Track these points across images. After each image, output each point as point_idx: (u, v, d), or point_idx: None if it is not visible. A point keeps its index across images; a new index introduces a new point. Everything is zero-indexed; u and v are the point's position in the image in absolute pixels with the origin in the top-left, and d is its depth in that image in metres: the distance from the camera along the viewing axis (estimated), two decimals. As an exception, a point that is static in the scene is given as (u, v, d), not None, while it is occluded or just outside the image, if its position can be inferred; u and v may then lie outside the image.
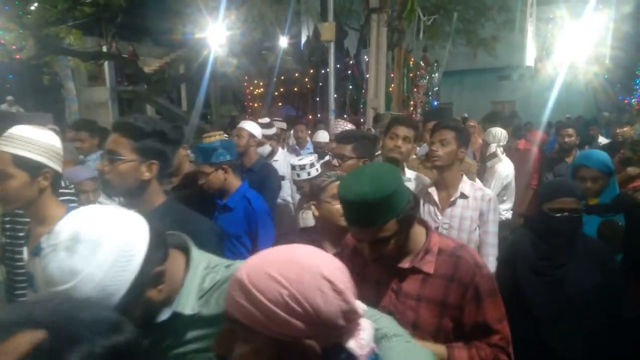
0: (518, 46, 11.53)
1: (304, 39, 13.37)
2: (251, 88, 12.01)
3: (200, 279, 1.07)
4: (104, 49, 14.19)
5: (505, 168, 3.94)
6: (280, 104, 11.05)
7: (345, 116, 9.53)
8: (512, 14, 11.85)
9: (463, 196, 2.45)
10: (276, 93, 11.43)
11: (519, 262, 2.09)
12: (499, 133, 4.12)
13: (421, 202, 2.53)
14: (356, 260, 1.52)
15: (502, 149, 4.07)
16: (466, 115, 10.58)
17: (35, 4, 9.34)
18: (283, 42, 11.90)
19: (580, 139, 4.77)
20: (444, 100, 15.13)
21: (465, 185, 2.47)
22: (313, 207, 1.96)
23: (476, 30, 13.39)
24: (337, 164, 2.49)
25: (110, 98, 16.91)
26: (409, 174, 2.82)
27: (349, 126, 3.48)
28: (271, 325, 0.76)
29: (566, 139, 4.45)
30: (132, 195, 1.58)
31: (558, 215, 1.95)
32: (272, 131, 4.20)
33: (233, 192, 2.54)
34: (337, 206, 1.78)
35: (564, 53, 11.24)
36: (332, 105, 7.55)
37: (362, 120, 7.78)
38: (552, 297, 1.99)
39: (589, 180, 2.53)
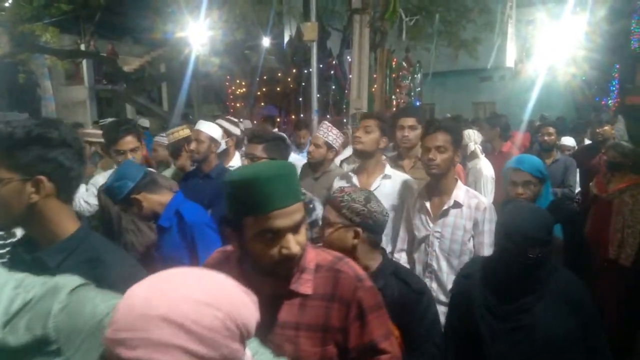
0: (499, 48, 11.67)
1: (286, 39, 13.31)
2: (233, 88, 11.89)
3: (8, 302, 0.86)
4: (82, 47, 13.90)
5: (488, 167, 3.92)
6: (262, 104, 10.96)
7: (328, 116, 9.51)
8: (492, 16, 11.99)
9: (457, 204, 2.30)
10: (259, 93, 11.34)
11: (476, 298, 1.75)
12: (472, 133, 4.11)
13: (413, 208, 2.47)
14: None
15: (480, 147, 4.08)
16: (449, 115, 10.67)
17: (10, 0, 9.08)
18: (265, 42, 11.81)
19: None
20: (427, 101, 15.24)
21: (460, 192, 2.33)
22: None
23: (457, 32, 13.51)
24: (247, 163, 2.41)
25: (88, 97, 16.60)
26: (390, 172, 2.71)
27: (334, 131, 3.38)
28: (212, 354, 0.68)
29: (546, 138, 4.40)
30: (25, 226, 1.23)
31: (520, 259, 1.61)
32: (234, 130, 3.91)
33: (164, 210, 2.22)
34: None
35: (544, 55, 11.42)
36: (315, 105, 7.53)
37: (345, 120, 7.76)
38: (516, 347, 1.66)
39: (520, 185, 2.35)
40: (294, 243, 1.14)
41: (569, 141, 5.49)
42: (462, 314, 1.80)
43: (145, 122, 7.35)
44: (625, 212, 3.29)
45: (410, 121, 3.06)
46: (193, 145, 3.14)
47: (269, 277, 1.20)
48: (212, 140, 3.19)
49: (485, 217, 2.28)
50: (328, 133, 3.28)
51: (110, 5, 12.22)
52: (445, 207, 2.31)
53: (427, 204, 2.36)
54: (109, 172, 3.16)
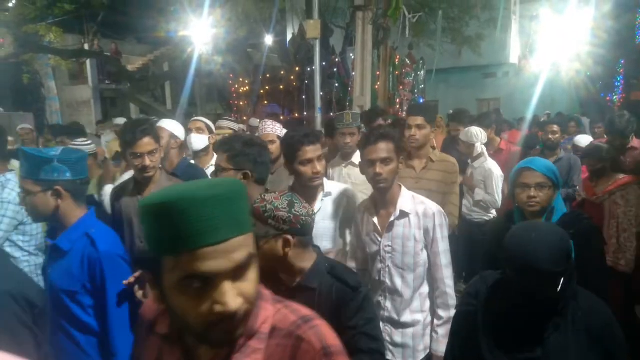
0: (502, 44, 11.64)
1: (289, 36, 13.30)
2: (236, 86, 11.89)
3: None
4: (86, 46, 13.96)
5: (496, 166, 3.85)
6: (265, 102, 10.97)
7: (331, 114, 9.50)
8: (496, 12, 11.94)
9: (403, 214, 2.12)
10: (262, 91, 11.34)
11: (480, 324, 1.52)
12: (479, 132, 3.97)
13: (361, 223, 2.28)
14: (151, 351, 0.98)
15: (484, 147, 3.99)
16: (451, 112, 10.63)
17: (14, 1, 9.13)
18: (268, 40, 11.82)
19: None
20: (430, 97, 15.20)
21: (405, 200, 2.14)
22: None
23: (461, 28, 13.46)
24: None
25: (92, 97, 16.65)
26: (329, 186, 2.41)
27: (278, 125, 3.26)
28: None
29: (550, 136, 4.21)
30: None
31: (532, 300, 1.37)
32: (235, 127, 3.78)
33: (69, 227, 1.76)
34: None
35: (548, 51, 11.37)
36: (318, 103, 7.52)
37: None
38: None
39: (533, 187, 2.03)
40: (232, 296, 0.79)
41: (583, 140, 4.92)
42: (465, 340, 1.58)
43: (120, 121, 7.39)
44: (619, 215, 3.17)
45: (418, 120, 2.95)
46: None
47: (203, 343, 0.87)
48: (172, 136, 3.07)
49: (436, 223, 2.09)
50: (274, 128, 3.31)
51: (114, 4, 12.25)
52: (392, 218, 2.12)
53: (374, 218, 2.18)
54: (127, 175, 3.09)
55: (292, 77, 11.01)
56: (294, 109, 10.81)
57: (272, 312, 0.95)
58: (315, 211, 2.18)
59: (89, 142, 3.70)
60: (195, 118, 3.50)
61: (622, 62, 12.26)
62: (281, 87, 11.12)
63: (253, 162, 1.99)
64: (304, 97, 10.42)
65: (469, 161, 4.02)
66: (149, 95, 15.37)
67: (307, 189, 2.25)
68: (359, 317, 1.54)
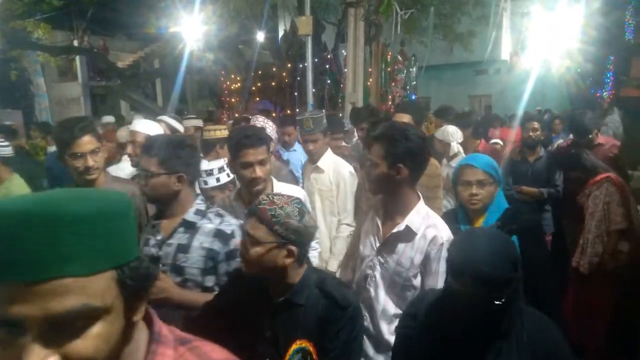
0: (494, 41, 11.66)
1: (281, 33, 13.25)
2: (228, 83, 11.83)
3: None
4: (75, 43, 13.80)
5: None
6: (257, 98, 10.92)
7: (324, 111, 9.49)
8: (487, 9, 11.97)
9: (409, 231, 1.83)
10: (253, 88, 11.29)
11: (416, 349, 1.42)
12: (455, 130, 3.79)
13: (366, 219, 2.07)
14: None
15: (460, 146, 3.81)
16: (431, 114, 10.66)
17: (0, -4, 8.99)
18: (260, 36, 11.76)
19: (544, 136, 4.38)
20: (422, 94, 15.24)
21: (417, 217, 1.85)
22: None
23: (452, 25, 13.49)
24: (142, 182, 1.84)
25: (82, 94, 16.45)
26: (277, 190, 2.20)
27: (270, 123, 3.12)
28: None
29: (531, 133, 3.99)
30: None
31: (473, 309, 1.24)
32: (178, 126, 3.43)
33: None
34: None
35: (539, 47, 11.42)
36: (310, 99, 7.51)
37: (340, 115, 7.74)
38: None
39: (474, 184, 2.00)
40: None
41: None
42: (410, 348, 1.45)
43: (109, 119, 7.26)
44: (586, 217, 3.09)
45: (404, 118, 2.81)
46: (130, 149, 2.84)
47: None
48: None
49: (442, 254, 1.76)
50: (266, 126, 3.19)
51: (103, 0, 12.12)
52: (395, 230, 1.85)
53: (379, 221, 1.94)
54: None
55: (284, 74, 10.97)
56: (286, 105, 10.78)
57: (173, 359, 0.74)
58: None
59: (5, 143, 3.25)
60: (159, 117, 3.31)
61: (612, 59, 12.37)
62: (273, 83, 11.09)
63: (186, 165, 1.83)
64: (296, 93, 10.39)
65: (445, 161, 3.82)
66: (139, 92, 15.21)
67: (248, 194, 2.11)
68: (339, 339, 1.44)
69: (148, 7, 11.15)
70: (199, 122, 4.65)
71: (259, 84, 11.26)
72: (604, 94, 12.39)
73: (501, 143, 4.91)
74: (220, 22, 10.84)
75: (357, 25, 7.47)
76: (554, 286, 1.87)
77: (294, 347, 1.42)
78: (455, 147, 3.74)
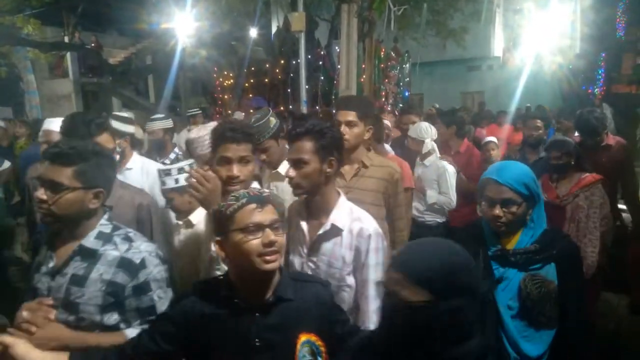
0: (486, 37, 11.72)
1: (274, 29, 13.19)
2: (221, 79, 11.77)
3: None
4: (66, 39, 13.67)
5: (448, 164, 3.56)
6: (250, 95, 10.87)
7: (317, 107, 9.47)
8: (480, 5, 12.00)
9: (335, 229, 1.79)
10: (246, 84, 11.24)
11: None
12: (429, 127, 3.64)
13: (290, 224, 1.98)
14: None
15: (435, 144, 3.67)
16: (437, 105, 10.71)
17: (-11, -8, 8.88)
18: (253, 33, 11.70)
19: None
20: (415, 91, 15.26)
21: (341, 213, 1.81)
22: (216, 245, 1.38)
23: (445, 21, 13.50)
24: (44, 197, 1.49)
25: (74, 91, 16.32)
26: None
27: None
28: None
29: (533, 132, 3.79)
30: None
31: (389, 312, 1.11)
32: (127, 129, 3.13)
33: None
34: (255, 241, 1.29)
35: (531, 44, 11.48)
36: (303, 96, 7.50)
37: (334, 111, 7.75)
38: None
39: (498, 204, 1.65)
40: None
41: None
42: None
43: (125, 115, 7.11)
44: (580, 219, 2.92)
45: (349, 115, 2.41)
46: (44, 149, 2.56)
47: None
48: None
49: (370, 246, 1.75)
50: None
51: (94, -4, 12.02)
52: (321, 230, 1.80)
53: (304, 225, 1.86)
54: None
55: (277, 70, 10.92)
56: (280, 102, 10.75)
57: None
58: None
59: None
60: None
61: (603, 55, 12.45)
62: (266, 80, 11.03)
63: (105, 178, 1.57)
64: (289, 90, 10.36)
65: (418, 159, 3.65)
66: (131, 89, 15.13)
67: (225, 194, 1.83)
68: (344, 313, 1.46)
69: (139, 2, 11.07)
70: (167, 123, 4.13)
71: (252, 81, 11.20)
72: (596, 90, 12.47)
73: (495, 140, 4.78)
74: (213, 18, 10.78)
75: (351, 22, 7.45)
76: (586, 316, 1.70)
77: (301, 340, 1.34)
78: (429, 144, 3.57)
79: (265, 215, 1.32)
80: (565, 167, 3.02)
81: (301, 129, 1.80)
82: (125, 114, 3.17)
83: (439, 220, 3.63)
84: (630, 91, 11.73)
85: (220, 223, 1.35)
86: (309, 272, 1.84)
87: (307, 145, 1.76)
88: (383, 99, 9.67)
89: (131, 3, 11.61)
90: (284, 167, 2.53)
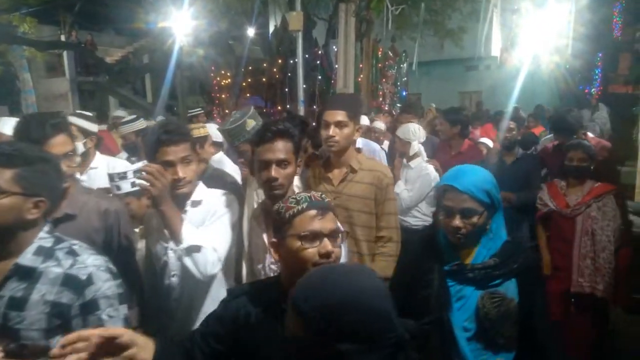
0: (484, 37, 11.73)
1: (271, 28, 13.17)
2: (218, 79, 11.76)
3: None
4: (62, 38, 13.62)
5: (433, 169, 3.46)
6: (248, 94, 10.88)
7: (314, 107, 9.47)
8: (477, 5, 12.01)
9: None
10: (244, 84, 11.23)
11: None
12: (417, 129, 3.57)
13: (250, 231, 1.95)
14: None
15: (422, 147, 3.58)
16: (434, 105, 10.71)
17: (-15, -10, 8.83)
18: (250, 32, 11.69)
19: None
20: (413, 90, 15.28)
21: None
22: (271, 247, 1.34)
23: (443, 21, 13.52)
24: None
25: (70, 89, 16.27)
26: (201, 194, 1.95)
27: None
28: None
29: (506, 134, 3.72)
30: None
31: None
32: (92, 127, 2.98)
33: None
34: (312, 250, 1.22)
35: (528, 44, 11.50)
36: (301, 96, 7.48)
37: (315, 109, 7.75)
38: None
39: (458, 214, 1.48)
40: None
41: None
42: None
43: (120, 113, 6.98)
44: (595, 231, 2.73)
45: (338, 115, 2.25)
46: None
47: None
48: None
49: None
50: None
51: (90, -6, 11.97)
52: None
53: (264, 234, 1.84)
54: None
55: (275, 70, 10.92)
56: (277, 101, 10.74)
57: None
58: None
59: None
60: (68, 118, 2.88)
61: (600, 55, 12.48)
62: (264, 79, 11.04)
63: (50, 187, 1.39)
64: (286, 89, 10.35)
65: (404, 161, 3.57)
66: (128, 87, 15.09)
67: (173, 197, 1.79)
68: None
69: (136, 1, 11.04)
70: (140, 125, 4.00)
71: (249, 80, 11.21)
72: (592, 90, 12.51)
73: (487, 142, 4.66)
74: (211, 17, 10.76)
75: (348, 21, 7.45)
76: (554, 330, 1.55)
77: None
78: (416, 146, 3.48)
79: (325, 223, 1.25)
80: (586, 172, 2.84)
81: (281, 127, 1.73)
82: (89, 113, 3.04)
83: (426, 223, 3.48)
84: (626, 91, 11.76)
85: (277, 225, 1.30)
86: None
87: (288, 145, 1.73)
88: (380, 99, 9.67)
89: (128, 2, 11.58)
90: None
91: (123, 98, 12.92)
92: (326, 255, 1.22)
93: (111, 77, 12.41)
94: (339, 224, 1.32)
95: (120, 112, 6.81)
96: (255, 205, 2.30)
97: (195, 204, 1.90)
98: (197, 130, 2.95)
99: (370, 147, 3.47)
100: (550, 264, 2.95)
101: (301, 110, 7.35)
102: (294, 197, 1.30)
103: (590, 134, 3.90)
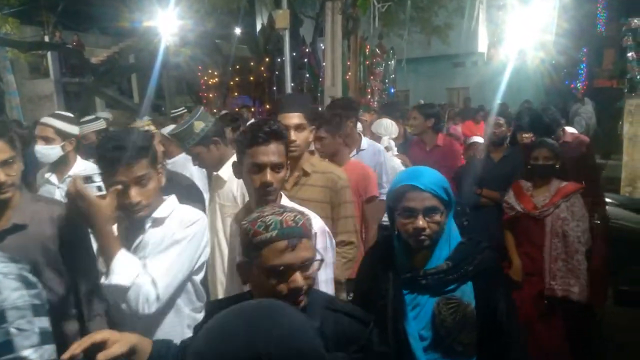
0: (470, 33, 11.80)
1: (258, 27, 13.12)
2: (206, 78, 11.68)
3: None
4: (46, 38, 13.42)
5: (397, 162, 3.47)
6: (236, 94, 10.82)
7: (202, 108, 9.44)
8: (463, 1, 12.07)
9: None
10: (232, 83, 11.17)
11: None
12: (390, 124, 3.58)
13: (235, 236, 1.78)
14: None
15: (393, 141, 3.55)
16: (422, 102, 10.75)
17: (-36, -10, 8.67)
18: (237, 31, 11.63)
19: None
20: (401, 87, 15.31)
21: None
22: (238, 270, 1.23)
23: (429, 17, 13.56)
24: None
25: (55, 91, 16.06)
26: (163, 211, 1.71)
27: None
28: None
29: (494, 130, 3.58)
30: None
31: None
32: (71, 129, 2.76)
33: None
34: (281, 285, 1.13)
35: (514, 39, 11.59)
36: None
37: (320, 109, 7.73)
38: None
39: (421, 213, 1.41)
40: None
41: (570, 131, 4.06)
42: None
43: (105, 115, 6.85)
44: (566, 232, 2.64)
45: (294, 118, 2.16)
46: None
47: None
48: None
49: (318, 246, 1.60)
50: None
51: (74, -7, 11.82)
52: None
53: None
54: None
55: (262, 68, 10.88)
56: (265, 100, 10.70)
57: None
58: (135, 245, 1.65)
59: None
60: (42, 121, 2.67)
61: (585, 50, 12.63)
62: (251, 78, 11.00)
63: None
64: (274, 88, 10.32)
65: None
66: (115, 88, 14.91)
67: (131, 220, 1.66)
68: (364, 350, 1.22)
69: (121, 0, 10.91)
70: (100, 125, 3.94)
71: (237, 79, 11.15)
72: (578, 85, 12.65)
73: (480, 141, 4.57)
74: (197, 17, 10.68)
75: (335, 19, 7.43)
76: (519, 335, 1.48)
77: None
78: (386, 141, 3.47)
79: (297, 254, 1.12)
80: (551, 170, 2.75)
81: (275, 127, 1.61)
82: (68, 113, 2.85)
83: None
84: (611, 86, 11.92)
85: (245, 247, 1.17)
86: None
87: (281, 147, 1.62)
88: (369, 96, 9.68)
89: (112, 1, 11.44)
90: (226, 170, 2.24)
91: (109, 99, 12.76)
92: (296, 290, 1.13)
93: (97, 78, 12.25)
94: (315, 250, 1.19)
95: (104, 114, 6.74)
96: (222, 206, 2.20)
97: (157, 222, 1.66)
98: (149, 128, 2.83)
99: (375, 148, 3.29)
100: (522, 270, 2.83)
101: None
102: (262, 219, 1.14)
103: (568, 130, 3.74)
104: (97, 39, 17.67)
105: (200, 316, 1.67)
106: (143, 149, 1.59)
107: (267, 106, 10.42)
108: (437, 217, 1.42)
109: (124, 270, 1.50)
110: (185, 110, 7.40)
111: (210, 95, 11.46)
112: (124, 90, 16.82)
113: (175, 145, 3.02)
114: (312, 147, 3.07)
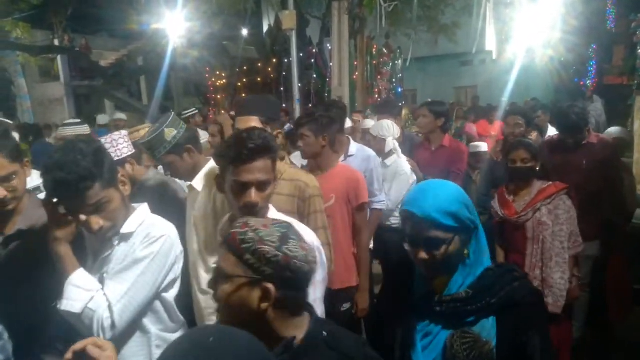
0: (478, 32, 11.74)
1: (265, 28, 13.17)
2: (213, 79, 11.75)
3: None
4: (56, 42, 13.58)
5: (408, 166, 3.34)
6: (243, 95, 10.86)
7: (310, 105, 9.48)
8: (471, 0, 12.02)
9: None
10: (239, 84, 11.22)
11: None
12: (391, 124, 3.42)
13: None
14: None
15: (397, 143, 3.43)
16: (429, 100, 10.72)
17: (-24, -4, 8.81)
18: (244, 32, 11.69)
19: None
20: (408, 86, 15.26)
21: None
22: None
23: (437, 16, 13.51)
24: None
25: (65, 94, 16.24)
26: (131, 225, 1.55)
27: (119, 135, 2.36)
28: None
29: (514, 130, 3.36)
30: None
31: None
32: (84, 130, 2.72)
33: None
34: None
35: (522, 38, 11.51)
36: (296, 94, 7.49)
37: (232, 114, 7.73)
38: None
39: (421, 245, 1.22)
40: None
41: (613, 131, 3.84)
42: None
43: (120, 116, 6.94)
44: (545, 238, 2.46)
45: (251, 121, 2.04)
46: None
47: None
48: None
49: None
50: (120, 142, 2.60)
51: (83, -2, 11.95)
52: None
53: None
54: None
55: (270, 69, 10.92)
56: (273, 101, 10.73)
57: None
58: (103, 256, 1.52)
59: None
60: (60, 132, 2.63)
61: (594, 47, 12.50)
62: (259, 79, 11.03)
63: None
64: (282, 88, 10.35)
65: (380, 159, 3.37)
66: (124, 91, 15.06)
67: (92, 235, 1.52)
68: None
69: (129, 3, 11.02)
70: (83, 129, 3.78)
71: (244, 80, 11.20)
72: (587, 82, 12.52)
73: (485, 149, 4.18)
74: (204, 18, 10.75)
75: (342, 19, 7.45)
76: None
77: None
78: (391, 142, 3.34)
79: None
80: (530, 173, 2.57)
81: (259, 142, 1.46)
82: (75, 120, 2.80)
83: None
84: (621, 83, 11.78)
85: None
86: None
87: (268, 162, 1.49)
88: (376, 96, 9.68)
89: (121, 4, 11.55)
90: (199, 180, 2.10)
91: (118, 101, 12.89)
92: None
93: (106, 81, 12.38)
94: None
95: (120, 115, 6.84)
96: (195, 218, 2.04)
97: (125, 237, 1.51)
98: (137, 133, 2.62)
99: (365, 154, 3.13)
100: None
101: (297, 109, 7.36)
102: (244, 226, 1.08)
103: (593, 132, 3.40)
104: (106, 42, 17.84)
105: (172, 336, 1.57)
106: (92, 175, 1.36)
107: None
108: (442, 249, 1.20)
109: (76, 295, 1.40)
110: (197, 111, 7.47)
111: (218, 97, 11.52)
112: (133, 93, 16.98)
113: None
114: (354, 152, 3.04)
